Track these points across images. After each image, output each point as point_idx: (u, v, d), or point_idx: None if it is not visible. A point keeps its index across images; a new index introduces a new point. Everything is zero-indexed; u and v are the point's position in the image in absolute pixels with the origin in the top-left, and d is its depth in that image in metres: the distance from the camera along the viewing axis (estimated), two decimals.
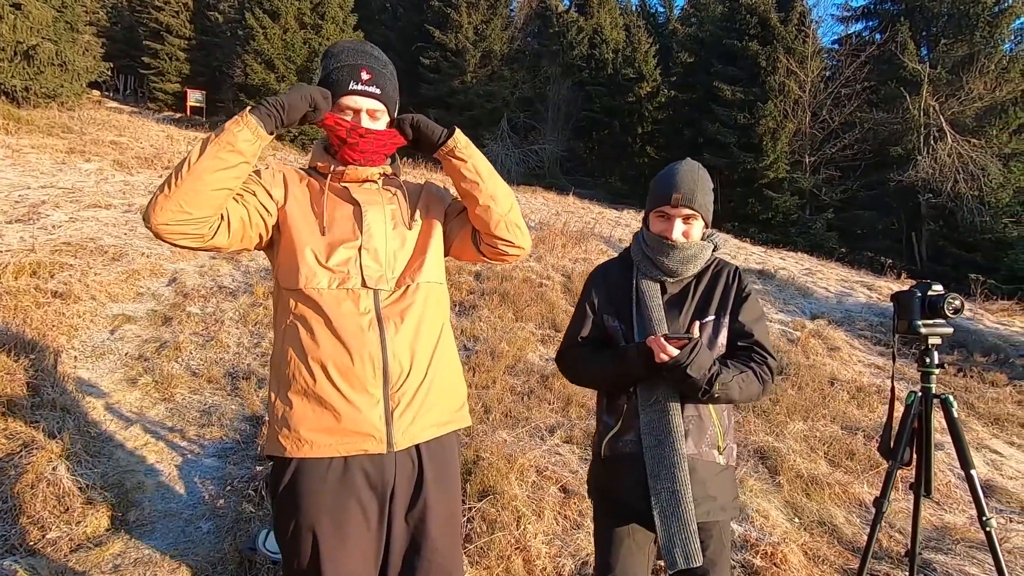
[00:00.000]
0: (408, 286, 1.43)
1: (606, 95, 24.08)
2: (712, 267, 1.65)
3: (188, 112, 20.06)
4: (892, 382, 2.02)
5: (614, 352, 1.57)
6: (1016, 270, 15.58)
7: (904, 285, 10.54)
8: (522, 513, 2.58)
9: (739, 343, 1.57)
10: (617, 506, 1.56)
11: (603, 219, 12.77)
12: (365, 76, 1.42)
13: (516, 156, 22.21)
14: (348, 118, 1.43)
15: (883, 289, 9.90)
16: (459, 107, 22.28)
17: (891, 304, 2.03)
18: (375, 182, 1.51)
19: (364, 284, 1.38)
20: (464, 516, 2.54)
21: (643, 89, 23.90)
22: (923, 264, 17.33)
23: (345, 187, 1.47)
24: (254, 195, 1.40)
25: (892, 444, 1.97)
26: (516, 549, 2.44)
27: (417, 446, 1.41)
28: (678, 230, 1.57)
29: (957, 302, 2.00)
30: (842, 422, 4.39)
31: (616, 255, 1.78)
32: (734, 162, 18.83)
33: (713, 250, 1.65)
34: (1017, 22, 18.04)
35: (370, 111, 1.44)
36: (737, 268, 1.67)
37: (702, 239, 1.62)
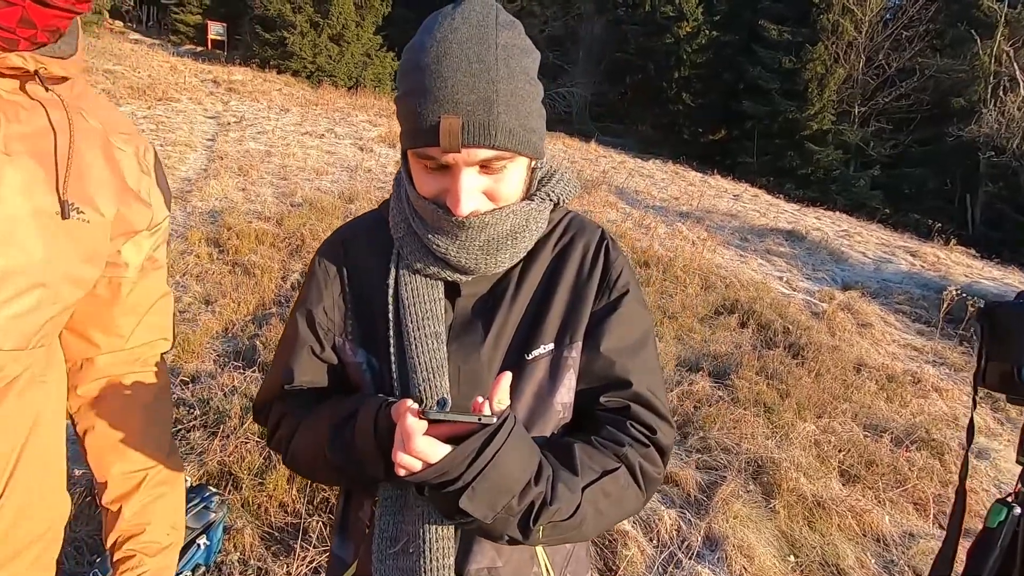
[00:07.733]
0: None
1: (642, 35, 22.50)
2: (555, 237, 0.80)
3: (209, 46, 19.32)
4: (963, 469, 1.01)
5: (345, 414, 0.72)
6: None
7: (952, 252, 9.44)
8: None
9: (603, 397, 0.75)
10: None
11: (623, 168, 11.84)
12: None
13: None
14: None
15: (928, 256, 8.91)
16: None
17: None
18: None
19: None
20: None
21: (683, 29, 22.13)
22: (975, 229, 15.98)
23: None
24: None
25: None
26: None
27: None
28: (469, 197, 0.69)
29: None
30: (865, 420, 3.73)
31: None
32: (775, 111, 17.55)
33: (555, 206, 0.80)
34: None
35: None
36: (604, 236, 0.81)
37: (530, 191, 0.77)
